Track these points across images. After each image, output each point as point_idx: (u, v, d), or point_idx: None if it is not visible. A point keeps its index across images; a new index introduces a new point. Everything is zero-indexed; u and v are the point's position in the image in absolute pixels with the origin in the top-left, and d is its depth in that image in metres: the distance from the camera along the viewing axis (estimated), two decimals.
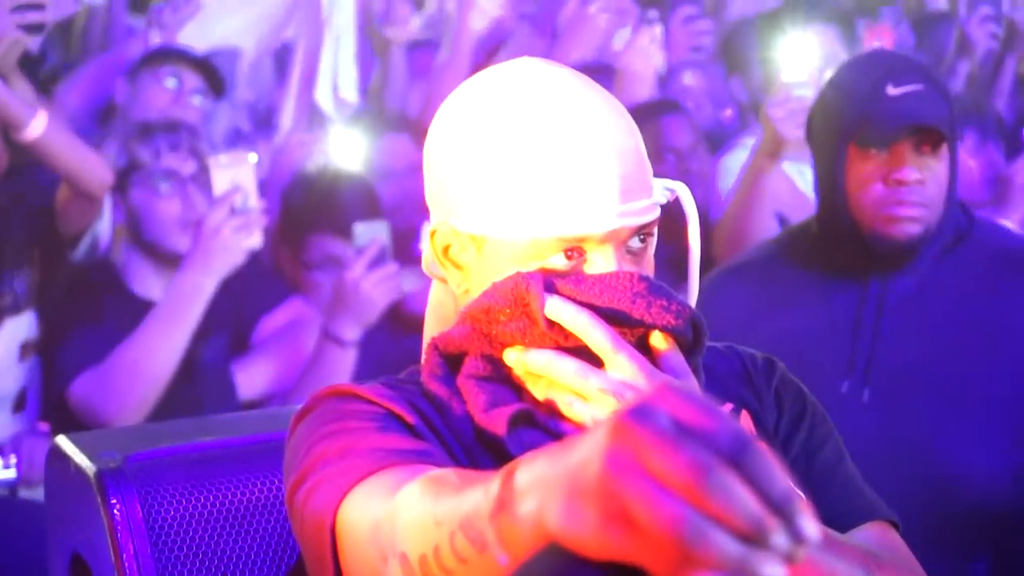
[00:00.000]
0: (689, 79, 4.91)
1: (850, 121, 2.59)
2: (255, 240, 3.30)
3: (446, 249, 1.64)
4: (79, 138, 3.66)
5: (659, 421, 0.95)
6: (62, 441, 1.87)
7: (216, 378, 3.53)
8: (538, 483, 1.06)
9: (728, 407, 1.71)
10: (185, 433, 1.90)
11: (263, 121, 4.61)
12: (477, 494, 1.16)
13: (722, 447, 0.94)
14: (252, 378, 3.58)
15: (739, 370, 1.77)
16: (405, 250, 3.70)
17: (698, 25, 5.14)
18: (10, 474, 3.24)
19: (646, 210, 1.59)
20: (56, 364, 3.53)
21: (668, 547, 0.93)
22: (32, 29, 2.88)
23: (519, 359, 1.56)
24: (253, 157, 3.39)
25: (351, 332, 3.41)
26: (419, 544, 1.25)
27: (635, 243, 1.60)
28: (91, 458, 1.80)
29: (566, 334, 1.52)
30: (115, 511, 1.74)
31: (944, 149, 2.59)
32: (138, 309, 3.49)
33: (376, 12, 4.81)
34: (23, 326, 3.59)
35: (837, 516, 1.68)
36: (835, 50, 3.86)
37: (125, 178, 3.58)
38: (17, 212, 3.65)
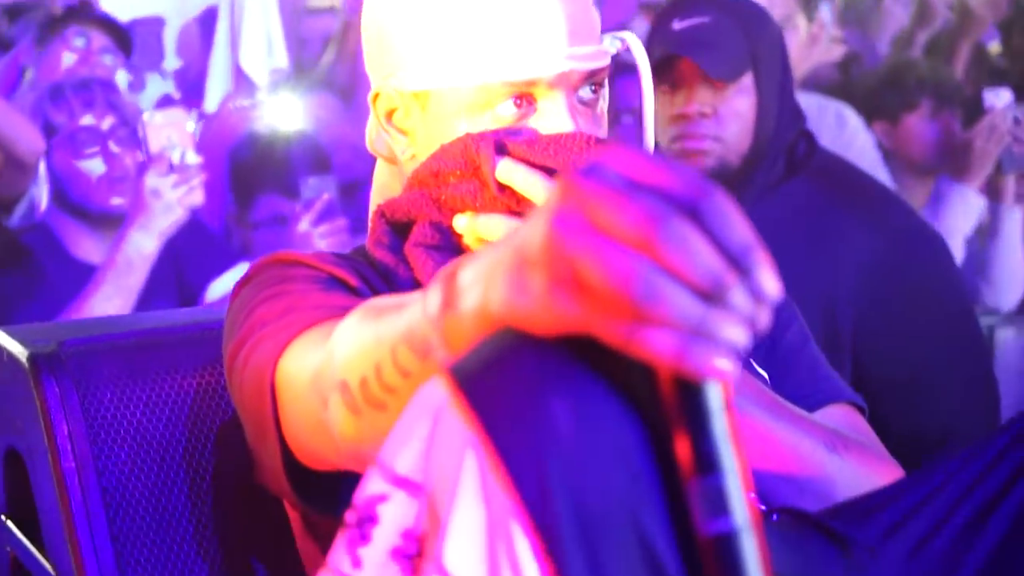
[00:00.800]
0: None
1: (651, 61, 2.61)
2: (196, 197, 3.26)
3: (389, 115, 1.62)
4: (6, 105, 3.60)
5: (609, 177, 0.91)
6: None
7: None
8: (482, 273, 1.02)
9: None
10: (125, 324, 1.86)
11: (193, 88, 4.58)
12: (418, 305, 1.13)
13: (677, 197, 0.89)
14: None
15: None
16: (353, 204, 3.67)
17: None
18: None
19: (595, 55, 1.57)
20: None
21: (620, 307, 0.89)
22: None
23: (469, 225, 1.52)
24: (189, 112, 3.35)
25: None
26: (359, 368, 1.20)
27: (586, 92, 1.58)
28: (24, 345, 1.75)
29: (518, 198, 1.49)
30: (49, 396, 1.70)
31: (746, 82, 2.58)
32: (80, 273, 3.44)
33: None
34: None
35: (803, 396, 1.67)
36: (792, 10, 3.84)
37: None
38: None
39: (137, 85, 4.38)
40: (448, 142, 1.54)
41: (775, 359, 1.69)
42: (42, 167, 3.59)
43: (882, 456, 1.61)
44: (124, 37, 4.22)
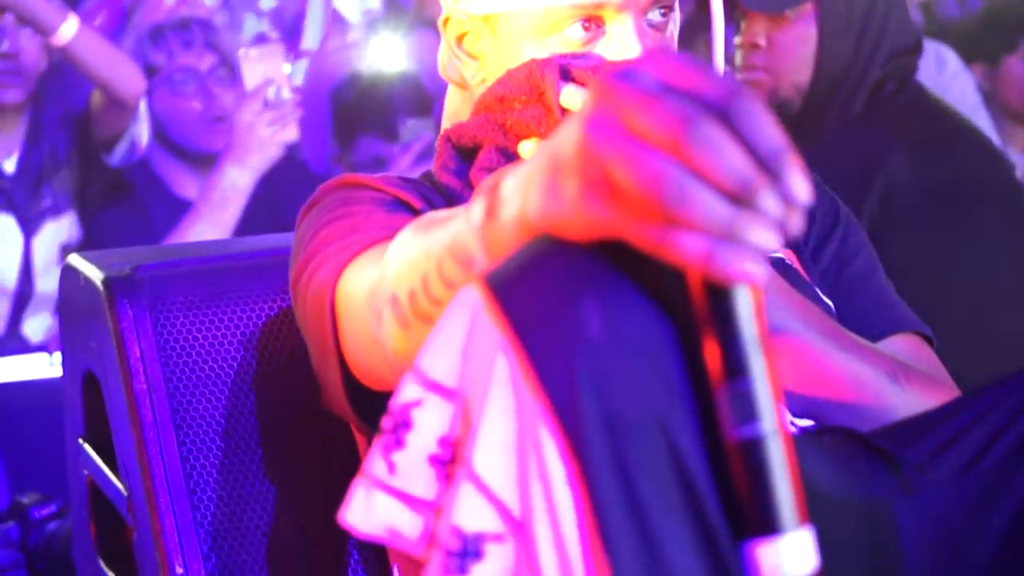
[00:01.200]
0: None
1: None
2: (291, 133, 3.29)
3: (460, 39, 1.62)
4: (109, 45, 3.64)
5: (643, 80, 0.91)
6: (74, 258, 1.86)
7: None
8: (521, 181, 1.03)
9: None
10: (198, 251, 1.88)
11: (289, 29, 4.59)
12: (463, 216, 1.13)
13: (708, 99, 0.89)
14: None
15: None
16: None
17: None
18: (57, 372, 3.24)
19: None
20: None
21: (649, 209, 0.89)
22: None
23: (533, 151, 1.52)
24: (282, 48, 3.37)
25: None
26: (408, 281, 1.21)
27: (655, 15, 1.57)
28: (101, 269, 1.78)
29: None
30: (122, 319, 1.72)
31: (806, 11, 2.51)
32: (179, 210, 3.49)
33: None
34: (64, 229, 3.61)
35: (868, 325, 1.65)
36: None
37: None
38: (54, 114, 3.64)
39: (235, 25, 4.40)
40: (514, 67, 1.53)
41: (841, 286, 1.68)
42: (143, 106, 3.63)
43: (947, 385, 1.59)
44: None
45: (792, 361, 1.48)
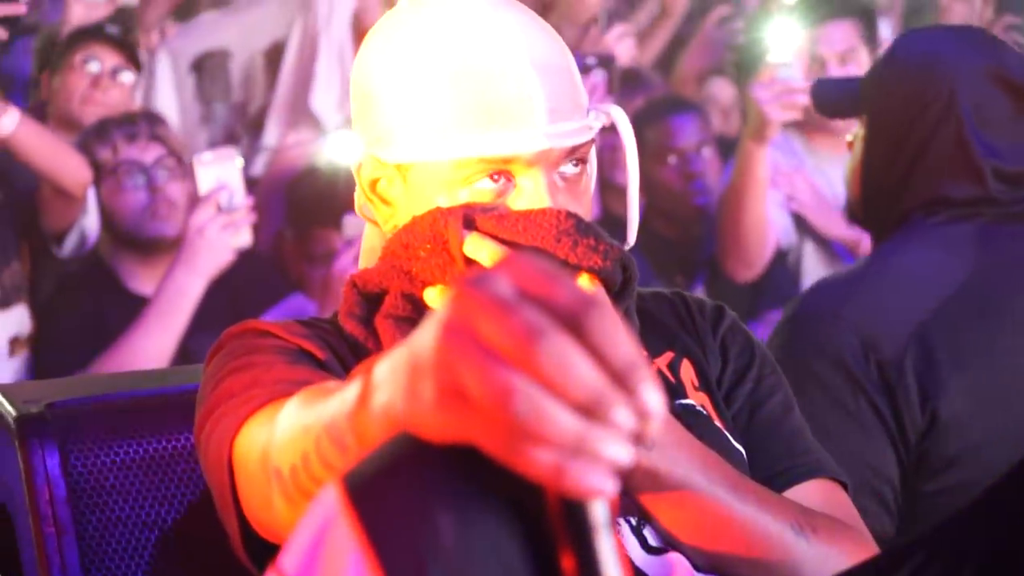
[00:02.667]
0: (716, 86, 4.88)
1: None
2: (244, 238, 3.31)
3: (373, 184, 1.64)
4: (56, 137, 3.65)
5: (497, 287, 0.92)
6: None
7: None
8: (391, 371, 1.04)
9: (667, 356, 1.68)
10: (114, 384, 1.89)
11: (254, 123, 4.62)
12: (342, 396, 1.15)
13: (561, 309, 0.90)
14: None
15: (683, 317, 1.74)
16: None
17: (732, 26, 5.10)
18: None
19: (577, 132, 1.57)
20: (48, 361, 3.54)
21: (500, 422, 0.90)
22: (5, 22, 2.85)
23: (439, 299, 1.54)
24: (238, 154, 3.39)
25: None
26: (290, 456, 1.24)
27: (568, 169, 1.58)
28: (14, 405, 1.79)
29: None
30: (33, 459, 1.73)
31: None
32: (130, 303, 3.51)
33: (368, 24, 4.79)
34: (13, 321, 3.61)
35: (779, 472, 1.65)
36: (855, 43, 3.83)
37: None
38: (3, 205, 3.65)
39: (207, 117, 4.42)
40: (418, 215, 1.55)
41: (753, 430, 1.68)
42: (92, 198, 3.65)
43: (858, 535, 1.60)
44: (133, 52, 4.25)
45: (695, 515, 1.49)
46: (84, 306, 3.61)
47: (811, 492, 1.64)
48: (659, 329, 1.71)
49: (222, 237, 3.26)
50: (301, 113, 4.46)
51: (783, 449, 1.68)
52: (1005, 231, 2.36)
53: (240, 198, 3.29)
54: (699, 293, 3.91)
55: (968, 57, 2.40)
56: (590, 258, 1.49)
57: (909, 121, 2.40)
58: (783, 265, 3.82)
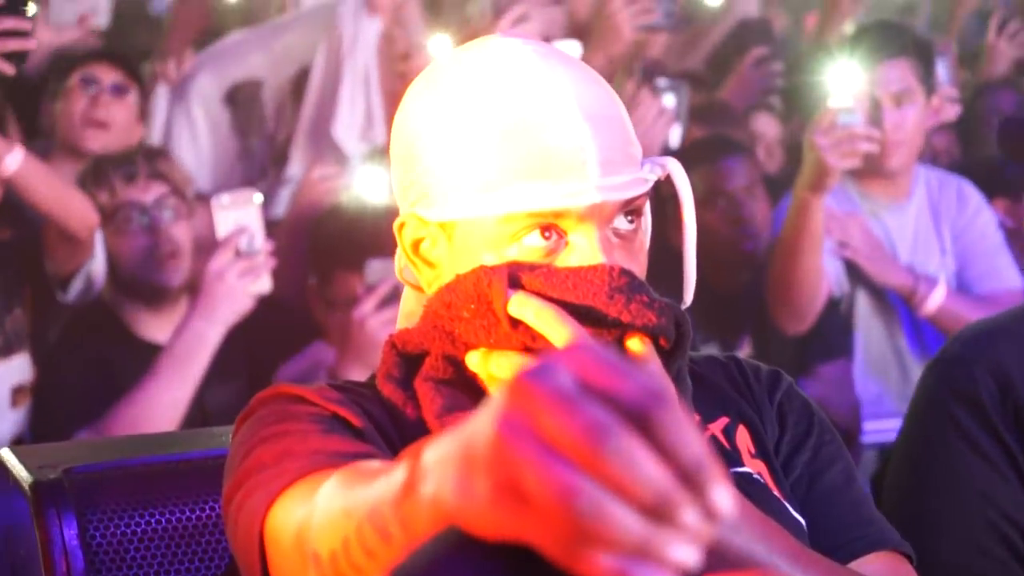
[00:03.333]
0: (763, 124, 4.82)
1: None
2: (263, 285, 3.25)
3: (416, 245, 1.58)
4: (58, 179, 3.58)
5: (558, 380, 0.88)
6: (5, 453, 1.81)
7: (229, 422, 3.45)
8: (441, 459, 1.00)
9: (722, 421, 1.61)
10: (135, 448, 1.82)
11: (280, 155, 4.55)
12: (387, 480, 1.11)
13: (628, 406, 0.87)
14: None
15: (738, 381, 1.70)
16: None
17: (770, 67, 5.04)
18: None
19: (631, 184, 1.51)
20: (53, 411, 3.46)
21: (561, 523, 0.86)
22: (14, 58, 2.78)
23: (482, 362, 1.46)
24: (258, 197, 3.31)
25: (356, 374, 3.30)
26: (329, 541, 1.20)
27: (622, 224, 1.52)
28: (30, 470, 1.72)
29: (534, 334, 1.43)
30: (50, 528, 1.66)
31: None
32: (140, 351, 3.44)
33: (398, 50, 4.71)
34: (15, 369, 3.55)
35: (841, 543, 1.60)
36: (911, 83, 3.74)
37: None
38: (6, 249, 3.59)
39: (245, 153, 4.35)
40: (462, 273, 1.47)
41: (813, 500, 1.63)
42: (99, 241, 3.57)
43: None
44: (133, 68, 4.19)
45: None
46: (90, 354, 3.54)
47: (875, 564, 1.59)
48: (713, 393, 1.65)
49: (241, 283, 3.20)
50: (323, 143, 4.39)
51: (846, 520, 1.63)
52: None
53: (260, 242, 3.23)
54: (746, 345, 3.82)
55: None
56: (644, 315, 1.43)
57: None
58: (835, 315, 3.73)
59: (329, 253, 3.75)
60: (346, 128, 4.39)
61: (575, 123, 1.49)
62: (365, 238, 3.66)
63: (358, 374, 3.22)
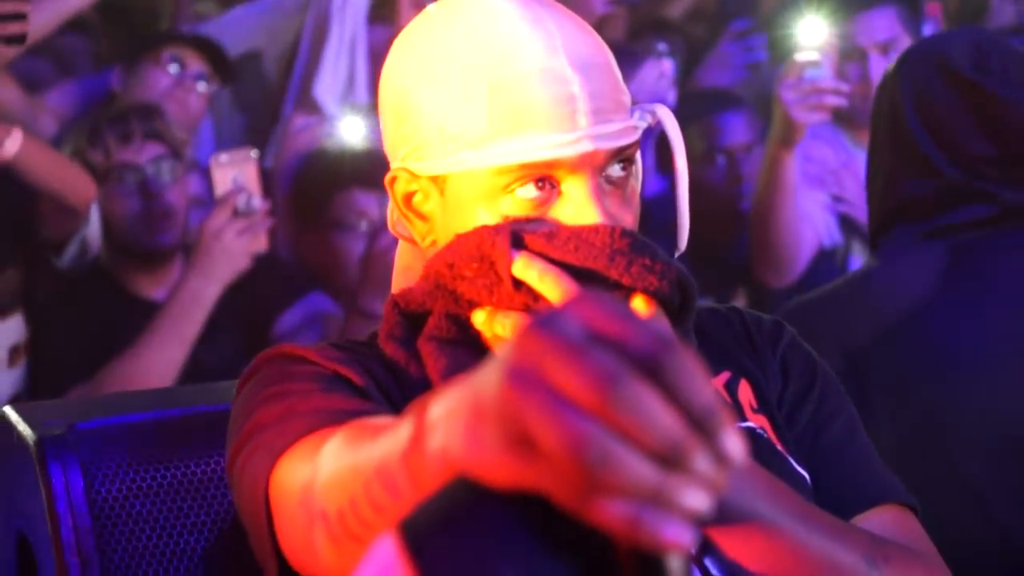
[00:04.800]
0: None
1: None
2: (260, 244, 3.27)
3: (408, 198, 1.60)
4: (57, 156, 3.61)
5: (567, 329, 0.89)
6: (8, 411, 1.85)
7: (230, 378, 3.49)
8: (448, 413, 1.01)
9: (724, 376, 1.65)
10: (137, 403, 1.86)
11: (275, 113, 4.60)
12: (392, 436, 1.12)
13: (637, 354, 0.88)
14: None
15: (740, 334, 1.72)
16: None
17: (750, 41, 5.05)
18: None
19: (622, 132, 1.54)
20: (50, 369, 3.50)
21: (572, 471, 0.87)
22: (12, 40, 2.82)
23: (487, 321, 1.50)
24: (255, 154, 3.34)
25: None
26: (336, 499, 1.21)
27: (614, 171, 1.56)
28: (34, 427, 1.76)
29: (536, 295, 1.46)
30: (55, 485, 1.70)
31: None
32: (137, 310, 3.47)
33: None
34: (11, 330, 3.59)
35: (846, 497, 1.62)
36: (897, 31, 3.77)
37: None
38: (1, 212, 3.62)
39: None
40: (463, 232, 1.51)
41: (817, 454, 1.65)
42: (94, 208, 3.61)
43: (931, 562, 1.57)
44: (223, 62, 4.23)
45: (762, 547, 1.45)
46: (86, 313, 3.57)
47: (881, 518, 1.61)
48: (715, 347, 1.68)
49: (239, 242, 3.23)
50: (309, 103, 4.42)
51: (850, 473, 1.65)
52: (983, 250, 2.34)
53: (257, 201, 3.25)
54: (741, 297, 3.87)
55: (915, 51, 2.42)
56: (645, 278, 1.44)
57: (873, 123, 2.43)
58: (830, 266, 3.77)
59: (315, 199, 3.80)
60: (327, 89, 4.42)
61: (564, 72, 1.52)
62: (349, 180, 3.71)
63: (213, 291, 3.26)
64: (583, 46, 1.55)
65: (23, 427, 1.78)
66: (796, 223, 3.62)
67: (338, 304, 3.65)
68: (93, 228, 3.64)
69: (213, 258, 3.21)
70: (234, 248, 3.21)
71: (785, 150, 3.49)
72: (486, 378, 0.94)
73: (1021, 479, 2.28)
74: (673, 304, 1.47)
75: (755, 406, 1.65)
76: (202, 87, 4.16)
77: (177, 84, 4.11)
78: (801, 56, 3.46)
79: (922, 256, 2.35)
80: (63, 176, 3.50)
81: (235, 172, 3.23)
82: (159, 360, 3.21)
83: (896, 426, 2.28)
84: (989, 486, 2.28)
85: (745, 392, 1.65)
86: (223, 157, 3.28)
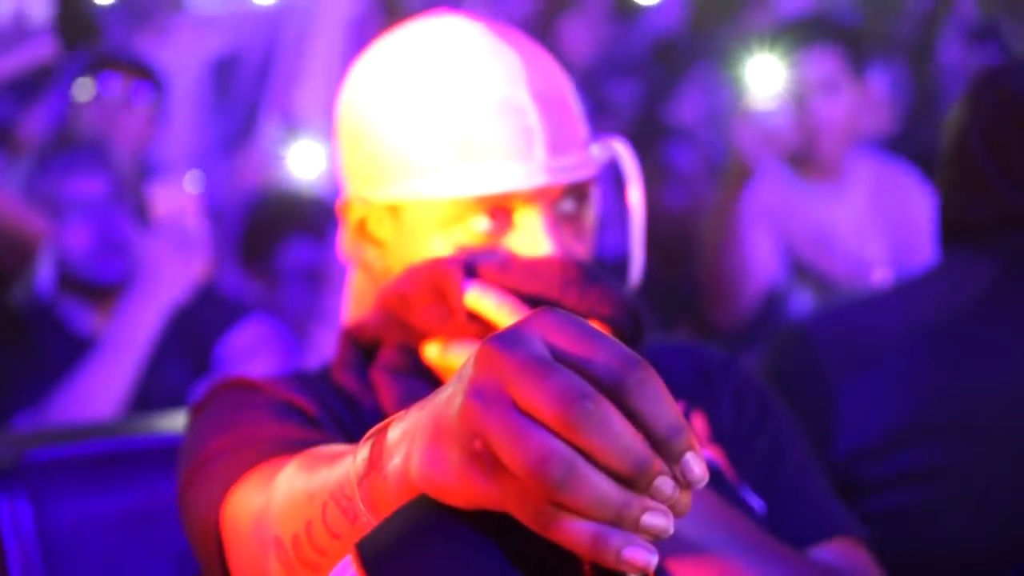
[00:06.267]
0: None
1: None
2: (200, 266, 3.25)
3: (361, 224, 1.62)
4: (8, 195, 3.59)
5: (530, 347, 0.90)
6: None
7: (178, 405, 3.48)
8: (405, 434, 1.01)
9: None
10: (88, 433, 1.86)
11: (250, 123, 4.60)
12: (349, 460, 1.12)
13: (601, 373, 0.89)
14: None
15: (694, 368, 1.73)
16: None
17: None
18: None
19: (578, 167, 1.56)
20: None
21: (535, 489, 0.88)
22: None
23: (439, 352, 1.52)
24: (194, 177, 3.34)
25: None
26: (292, 525, 1.20)
27: (568, 205, 1.57)
28: None
29: (489, 326, 1.48)
30: (3, 516, 1.70)
31: None
32: (76, 347, 3.45)
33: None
34: None
35: (800, 528, 1.63)
36: (837, 70, 3.82)
37: None
38: None
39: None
40: (416, 264, 1.52)
41: (771, 485, 1.66)
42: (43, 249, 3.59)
43: None
44: (156, 78, 4.22)
45: (716, 575, 1.47)
46: (25, 351, 3.55)
47: (834, 550, 1.62)
48: (668, 379, 1.68)
49: (175, 269, 3.22)
50: (288, 114, 4.43)
51: (803, 505, 1.66)
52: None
53: (196, 226, 3.24)
54: (684, 333, 3.90)
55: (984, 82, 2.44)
56: (599, 307, 1.47)
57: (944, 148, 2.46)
58: (775, 308, 3.80)
59: (272, 226, 3.81)
60: (308, 101, 4.43)
61: (522, 103, 1.53)
62: (303, 212, 3.72)
63: (151, 317, 3.23)
64: (543, 78, 1.57)
65: None
66: (744, 264, 3.66)
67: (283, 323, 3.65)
68: (42, 264, 3.62)
69: (153, 282, 3.21)
70: (170, 274, 3.21)
71: (737, 187, 3.54)
72: (445, 396, 0.95)
73: None
74: (625, 333, 1.50)
75: (709, 437, 1.66)
76: (140, 105, 4.12)
77: (115, 109, 4.08)
78: (751, 97, 3.51)
79: (978, 266, 2.38)
80: (13, 214, 3.49)
81: (173, 197, 3.23)
82: (103, 387, 3.19)
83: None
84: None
85: (698, 423, 1.67)
86: (160, 183, 3.29)
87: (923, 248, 3.80)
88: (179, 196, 3.24)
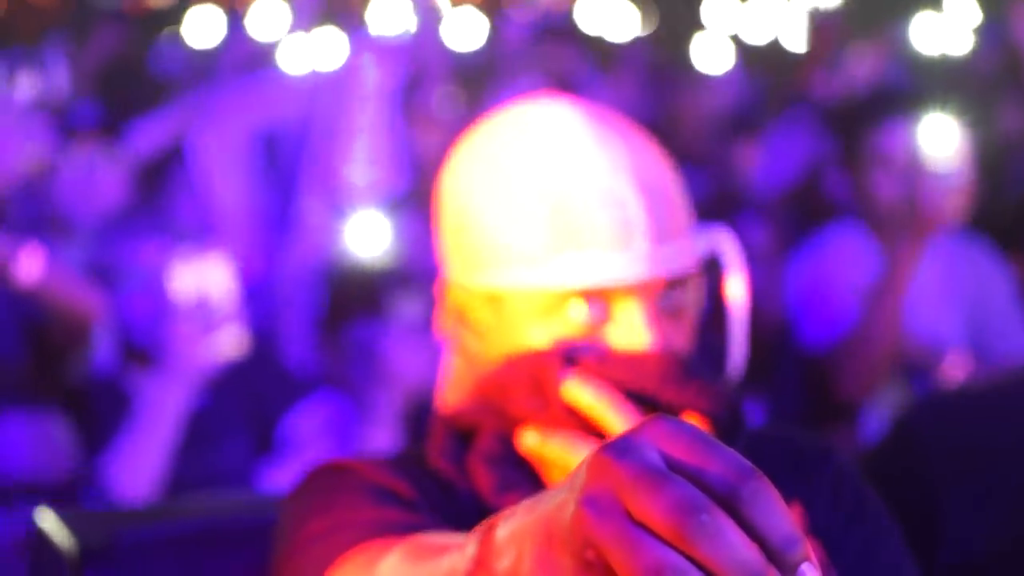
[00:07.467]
0: None
1: None
2: (230, 343, 3.28)
3: (460, 311, 1.63)
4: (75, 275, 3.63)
5: (643, 456, 0.90)
6: (45, 516, 1.82)
7: (239, 484, 3.51)
8: (515, 535, 1.02)
9: None
10: (183, 513, 1.87)
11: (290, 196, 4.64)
12: (456, 555, 1.12)
13: (715, 484, 0.89)
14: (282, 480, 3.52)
15: (791, 459, 1.72)
16: None
17: None
18: None
19: (678, 258, 1.57)
20: None
21: None
22: None
23: (537, 443, 1.54)
24: (221, 262, 3.37)
25: None
26: None
27: (668, 296, 1.58)
28: (73, 537, 1.76)
29: (587, 417, 1.50)
30: None
31: None
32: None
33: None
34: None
35: None
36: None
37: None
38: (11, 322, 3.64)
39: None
40: (514, 353, 1.55)
41: None
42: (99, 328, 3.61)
43: None
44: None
45: None
46: (84, 424, 3.57)
47: None
48: (764, 471, 1.69)
49: (204, 345, 3.24)
50: (333, 186, 4.46)
51: None
52: None
53: (224, 303, 3.27)
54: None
55: None
56: (699, 400, 1.49)
57: None
58: None
59: (335, 302, 3.83)
60: (355, 174, 4.47)
61: (624, 194, 1.55)
62: (380, 285, 3.75)
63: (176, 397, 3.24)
64: (647, 167, 1.58)
65: (62, 537, 1.76)
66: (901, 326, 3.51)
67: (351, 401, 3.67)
68: (101, 346, 3.64)
69: (178, 358, 3.23)
70: (199, 348, 3.23)
71: (919, 247, 3.42)
72: (557, 502, 0.95)
73: None
74: (725, 426, 1.51)
75: (804, 530, 1.66)
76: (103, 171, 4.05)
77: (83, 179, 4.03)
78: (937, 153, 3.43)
79: None
80: (78, 300, 3.50)
81: (197, 276, 3.26)
82: (132, 470, 3.23)
83: None
84: None
85: (795, 516, 1.67)
86: (185, 260, 3.31)
87: (1003, 332, 3.76)
88: (205, 271, 3.27)
